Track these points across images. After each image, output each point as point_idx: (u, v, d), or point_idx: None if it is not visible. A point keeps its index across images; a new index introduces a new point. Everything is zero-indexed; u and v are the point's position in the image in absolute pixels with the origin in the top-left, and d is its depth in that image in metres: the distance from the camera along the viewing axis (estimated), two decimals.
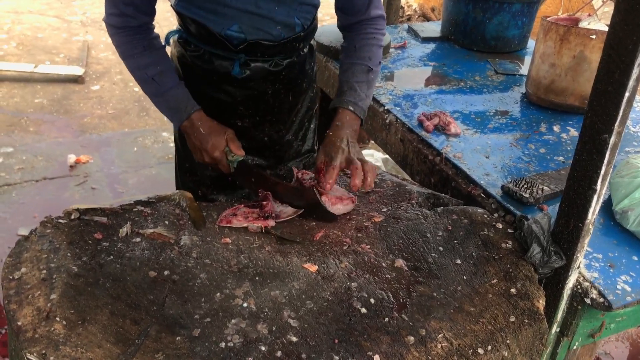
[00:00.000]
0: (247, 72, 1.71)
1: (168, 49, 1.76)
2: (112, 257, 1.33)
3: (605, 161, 1.21)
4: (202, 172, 1.86)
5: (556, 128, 2.05)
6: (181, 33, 1.73)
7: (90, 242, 1.36)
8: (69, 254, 1.29)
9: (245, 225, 1.48)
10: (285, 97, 1.84)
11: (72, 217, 1.42)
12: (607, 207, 1.63)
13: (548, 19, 2.20)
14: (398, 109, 2.14)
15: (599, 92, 1.17)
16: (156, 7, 1.61)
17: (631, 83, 1.12)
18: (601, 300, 1.35)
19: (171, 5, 1.67)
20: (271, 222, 1.49)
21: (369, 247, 1.45)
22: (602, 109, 1.17)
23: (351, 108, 1.66)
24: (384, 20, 1.79)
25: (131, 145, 4.14)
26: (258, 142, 1.87)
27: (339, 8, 1.75)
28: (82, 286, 1.21)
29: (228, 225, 1.48)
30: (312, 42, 1.87)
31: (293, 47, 1.74)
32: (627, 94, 1.13)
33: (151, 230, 1.42)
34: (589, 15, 2.14)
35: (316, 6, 1.71)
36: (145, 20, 1.59)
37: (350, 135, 1.63)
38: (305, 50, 1.83)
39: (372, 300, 1.27)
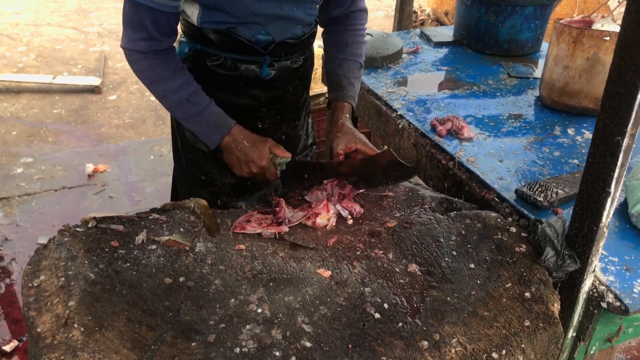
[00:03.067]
0: (273, 72, 1.76)
1: None
2: (128, 264, 1.34)
3: (619, 164, 1.20)
4: (222, 181, 1.88)
5: (570, 131, 2.04)
6: (193, 46, 1.73)
7: (107, 249, 1.38)
8: (86, 261, 1.31)
9: (259, 231, 1.49)
10: (301, 93, 1.93)
11: (90, 225, 1.44)
12: (623, 210, 1.62)
13: (561, 21, 2.19)
14: (411, 114, 2.14)
15: (611, 95, 1.17)
16: None
17: None
18: (618, 304, 1.33)
19: (184, 26, 1.70)
20: (284, 228, 1.50)
21: (382, 252, 1.45)
22: (615, 111, 1.16)
23: (353, 103, 1.83)
24: (367, 13, 1.94)
25: (148, 154, 4.19)
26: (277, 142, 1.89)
27: (326, 2, 1.80)
28: (99, 293, 1.23)
29: (242, 231, 1.49)
30: (320, 28, 1.96)
31: (309, 42, 1.82)
32: (639, 96, 1.12)
33: (166, 238, 1.44)
34: (603, 17, 2.13)
35: (318, 3, 1.77)
36: (170, 42, 1.61)
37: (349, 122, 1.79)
38: (312, 45, 1.90)
39: (385, 305, 1.28)
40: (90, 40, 6.39)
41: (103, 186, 3.78)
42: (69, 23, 6.90)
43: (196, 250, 1.42)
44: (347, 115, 1.79)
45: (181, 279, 1.32)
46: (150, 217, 1.52)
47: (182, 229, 1.48)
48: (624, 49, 1.12)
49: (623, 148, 1.18)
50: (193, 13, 1.62)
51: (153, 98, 5.03)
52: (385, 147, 1.65)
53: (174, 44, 1.65)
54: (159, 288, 1.29)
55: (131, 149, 4.26)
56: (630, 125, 1.15)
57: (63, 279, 1.24)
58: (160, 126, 4.60)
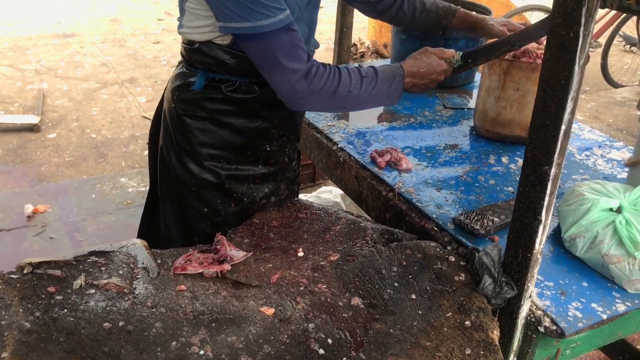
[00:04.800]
0: None
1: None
2: (65, 310, 1.30)
3: (548, 192, 1.25)
4: (226, 211, 1.85)
5: (504, 159, 2.11)
6: (208, 76, 1.73)
7: (44, 296, 1.33)
8: (20, 309, 1.26)
9: (200, 271, 1.47)
10: (303, 115, 2.02)
11: (25, 271, 1.39)
12: (557, 235, 1.68)
13: None
14: (351, 146, 2.17)
15: (538, 126, 1.22)
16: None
17: (566, 116, 1.17)
18: (554, 327, 1.37)
19: (197, 45, 1.70)
20: (227, 267, 1.49)
21: (325, 286, 1.45)
22: (542, 141, 1.22)
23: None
24: None
25: (89, 193, 4.09)
26: (279, 165, 1.92)
27: None
28: (34, 342, 1.18)
29: (183, 272, 1.47)
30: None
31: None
32: (563, 127, 1.18)
33: (105, 281, 1.40)
34: (526, 52, 2.22)
35: None
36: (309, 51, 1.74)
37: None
38: None
39: (329, 341, 1.28)
40: (27, 77, 6.23)
41: (43, 227, 3.67)
42: (5, 60, 6.72)
43: (136, 292, 1.39)
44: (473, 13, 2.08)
45: (120, 323, 1.29)
46: (88, 260, 1.48)
47: (121, 272, 1.45)
48: (546, 82, 1.18)
49: (551, 177, 1.23)
50: (224, 38, 1.66)
51: (94, 135, 4.97)
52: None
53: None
54: (97, 334, 1.25)
55: (72, 188, 4.15)
56: (556, 155, 1.20)
57: None
58: (102, 164, 4.51)
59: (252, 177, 1.86)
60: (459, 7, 2.17)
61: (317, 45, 1.90)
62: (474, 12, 2.17)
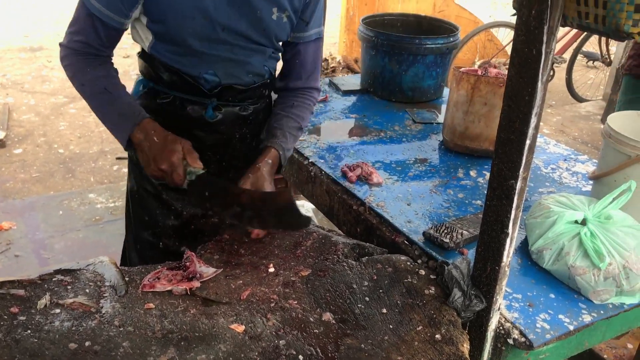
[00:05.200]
0: (219, 115, 1.78)
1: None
2: (29, 331, 1.27)
3: (514, 205, 1.27)
4: (164, 223, 1.85)
5: (473, 173, 2.14)
6: (147, 83, 1.77)
7: (6, 317, 1.30)
8: None
9: (169, 288, 1.45)
10: (250, 142, 1.92)
11: None
12: (525, 247, 1.70)
13: (460, 69, 2.32)
14: (322, 161, 2.18)
15: (503, 141, 1.24)
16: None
17: (531, 131, 1.19)
18: (523, 339, 1.39)
19: (140, 52, 1.72)
20: (196, 284, 1.47)
21: (296, 302, 1.45)
22: (507, 156, 1.24)
23: (281, 152, 1.79)
24: (319, 92, 1.98)
25: (56, 209, 4.01)
26: None
27: (284, 71, 1.88)
28: None
29: (151, 290, 1.45)
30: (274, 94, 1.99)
31: (261, 93, 1.85)
32: (528, 142, 1.20)
33: (71, 300, 1.37)
34: (495, 66, 2.27)
35: (278, 60, 1.85)
36: (104, 52, 1.66)
37: (272, 174, 1.75)
38: (269, 98, 1.94)
39: (300, 357, 1.27)
40: None
41: (8, 245, 3.58)
42: None
43: (103, 311, 1.36)
44: (269, 161, 1.74)
45: (87, 344, 1.26)
46: (54, 279, 1.45)
47: (87, 290, 1.42)
48: (511, 98, 1.20)
49: (517, 191, 1.25)
50: (146, 39, 1.67)
51: (62, 150, 4.89)
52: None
53: (111, 54, 1.69)
54: (62, 355, 1.22)
55: (39, 205, 4.07)
56: (522, 169, 1.23)
57: None
58: (70, 179, 4.44)
59: None
60: (273, 146, 1.78)
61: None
62: (268, 161, 1.75)
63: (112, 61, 1.71)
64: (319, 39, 1.87)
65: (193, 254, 1.56)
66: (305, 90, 1.91)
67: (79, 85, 1.64)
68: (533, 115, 1.18)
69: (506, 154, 1.24)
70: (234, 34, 1.65)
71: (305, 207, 3.74)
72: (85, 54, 1.62)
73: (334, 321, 1.39)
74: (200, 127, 1.79)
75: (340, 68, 6.49)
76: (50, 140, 5.09)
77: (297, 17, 1.74)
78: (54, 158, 4.79)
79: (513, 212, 1.27)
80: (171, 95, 1.76)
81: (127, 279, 1.48)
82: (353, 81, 3.04)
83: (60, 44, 1.65)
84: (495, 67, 2.41)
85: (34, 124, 5.39)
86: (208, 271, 1.52)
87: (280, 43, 1.79)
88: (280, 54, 1.85)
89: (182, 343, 1.29)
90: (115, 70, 1.69)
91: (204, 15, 1.58)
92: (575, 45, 6.70)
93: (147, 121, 1.61)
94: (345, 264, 1.58)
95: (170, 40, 1.64)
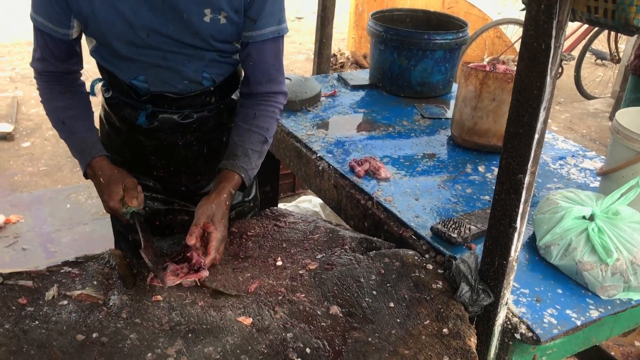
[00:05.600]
0: (155, 122, 1.73)
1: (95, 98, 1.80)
2: (37, 322, 1.28)
3: (522, 200, 1.26)
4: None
5: (481, 168, 2.13)
6: (104, 81, 1.78)
7: (14, 307, 1.31)
8: None
9: (178, 282, 1.45)
10: (199, 150, 1.83)
11: None
12: (532, 242, 1.70)
13: (469, 64, 2.31)
14: (330, 155, 2.18)
15: (512, 135, 1.24)
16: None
17: (539, 125, 1.19)
18: (530, 334, 1.39)
19: (90, 52, 1.70)
20: (204, 273, 1.46)
21: (304, 295, 1.45)
22: (516, 150, 1.23)
23: (242, 174, 1.66)
24: (285, 96, 1.80)
25: (64, 203, 4.03)
26: (177, 191, 1.88)
27: (245, 75, 1.75)
28: (4, 355, 1.16)
29: (159, 284, 1.45)
30: (234, 96, 1.87)
31: (203, 100, 1.74)
32: (536, 136, 1.19)
33: (79, 292, 1.38)
34: (504, 62, 2.26)
35: (232, 64, 1.72)
36: (65, 67, 1.65)
37: (229, 200, 1.63)
38: (221, 104, 1.82)
39: (307, 350, 1.27)
40: (1, 85, 6.15)
41: (16, 238, 3.60)
42: None
43: (110, 303, 1.37)
44: (225, 185, 1.63)
45: (94, 335, 1.27)
46: (61, 271, 1.46)
47: (95, 282, 1.43)
48: (520, 92, 1.20)
49: (525, 185, 1.24)
50: (91, 43, 1.65)
51: None
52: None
53: (75, 70, 1.70)
54: (70, 346, 1.23)
55: (46, 198, 4.09)
56: (530, 163, 1.22)
57: None
58: (77, 173, 4.45)
59: (148, 188, 1.85)
60: (233, 170, 1.67)
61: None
62: (225, 188, 1.64)
63: (77, 79, 1.71)
64: (278, 37, 1.69)
65: (192, 245, 1.51)
66: (269, 95, 1.75)
67: (47, 114, 1.70)
68: (542, 110, 1.17)
69: (515, 148, 1.23)
70: (163, 37, 1.56)
71: (313, 202, 3.75)
72: (47, 76, 1.65)
73: (341, 314, 1.39)
74: (139, 132, 1.76)
75: (349, 64, 6.49)
76: (58, 134, 5.10)
77: (240, 17, 1.60)
78: (62, 152, 4.80)
79: (521, 206, 1.27)
80: (116, 97, 1.75)
81: (134, 271, 1.49)
82: (362, 76, 3.04)
83: (30, 66, 1.66)
84: (503, 62, 2.40)
85: (42, 118, 5.40)
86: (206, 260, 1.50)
87: (237, 45, 1.69)
88: (229, 61, 1.72)
89: (190, 335, 1.29)
90: (80, 91, 1.70)
91: (124, 20, 1.52)
92: (584, 42, 6.66)
93: (96, 161, 1.65)
94: (352, 258, 1.59)
95: (103, 44, 1.60)
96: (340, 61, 6.60)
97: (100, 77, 1.79)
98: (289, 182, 4.11)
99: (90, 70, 1.95)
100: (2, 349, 1.17)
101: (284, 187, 4.06)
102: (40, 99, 1.68)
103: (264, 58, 1.68)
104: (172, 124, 1.74)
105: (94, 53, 1.66)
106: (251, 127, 1.72)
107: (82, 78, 1.74)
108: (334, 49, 6.75)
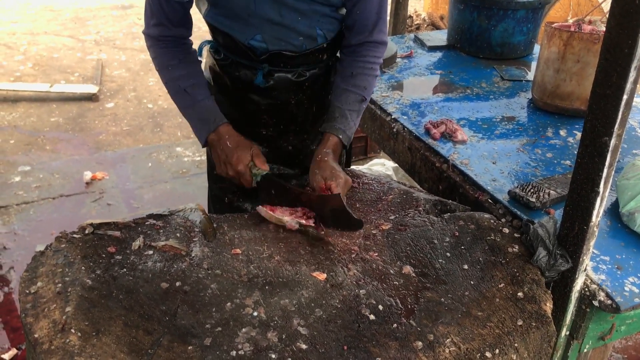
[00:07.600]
0: (271, 81, 1.76)
1: (202, 60, 1.84)
2: (125, 269, 1.36)
3: (607, 163, 1.22)
4: (231, 179, 1.87)
5: (562, 132, 2.06)
6: (212, 43, 1.80)
7: (104, 255, 1.39)
8: (83, 267, 1.32)
9: (286, 218, 1.54)
10: (309, 108, 1.87)
11: (87, 232, 1.45)
12: (615, 209, 1.64)
13: (552, 24, 2.22)
14: (405, 117, 2.16)
15: (598, 96, 1.19)
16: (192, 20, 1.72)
17: (629, 86, 1.13)
18: (609, 302, 1.35)
19: (203, 16, 1.73)
20: (311, 222, 1.54)
21: (376, 254, 1.47)
22: (602, 112, 1.19)
23: (340, 136, 1.71)
24: (385, 47, 1.81)
25: (146, 161, 4.20)
26: (283, 151, 1.91)
27: (347, 26, 1.76)
28: (96, 298, 1.24)
29: (270, 212, 1.55)
30: (338, 54, 1.88)
31: (316, 58, 1.78)
32: (625, 97, 1.14)
33: (163, 243, 1.45)
34: (590, 21, 2.16)
35: (339, 19, 1.73)
36: (180, 32, 1.69)
37: (335, 160, 1.68)
38: (330, 62, 1.85)
39: (380, 307, 1.29)
40: (87, 48, 6.41)
41: (101, 194, 3.79)
42: (66, 31, 6.92)
43: (192, 255, 1.43)
44: (330, 150, 1.68)
45: (177, 284, 1.33)
46: (146, 223, 1.53)
47: (178, 234, 1.49)
48: (609, 51, 1.14)
49: (610, 148, 1.20)
50: (203, 6, 1.68)
51: (151, 105, 5.08)
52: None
53: (187, 35, 1.72)
54: (155, 293, 1.30)
55: (129, 157, 4.27)
56: (617, 126, 1.17)
57: (60, 285, 1.25)
58: (158, 133, 4.62)
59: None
60: (333, 133, 1.72)
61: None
62: (327, 151, 1.69)
63: (191, 45, 1.74)
64: None
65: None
66: (370, 46, 1.76)
67: (164, 82, 1.72)
68: (632, 69, 1.12)
69: (601, 109, 1.18)
70: None
71: (386, 165, 3.74)
72: (165, 42, 1.67)
73: (414, 274, 1.40)
74: (254, 91, 1.79)
75: (425, 25, 6.33)
76: (139, 95, 5.29)
77: None
78: (143, 113, 4.99)
79: (605, 170, 1.22)
80: (229, 57, 1.77)
81: (215, 225, 1.55)
82: (439, 37, 2.97)
83: (143, 32, 1.69)
84: (590, 22, 2.29)
85: (124, 79, 5.62)
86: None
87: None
88: (336, 16, 1.72)
89: (267, 287, 1.34)
90: (195, 58, 1.73)
91: None
92: None
93: (223, 127, 1.68)
94: (426, 220, 1.58)
95: (222, 5, 1.63)
96: (416, 22, 6.45)
97: (207, 40, 1.83)
98: (361, 145, 4.10)
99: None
100: (94, 293, 1.25)
101: (356, 150, 4.06)
102: (156, 66, 1.70)
103: (370, 6, 1.70)
104: (287, 82, 1.78)
105: (207, 17, 1.70)
106: (348, 87, 1.75)
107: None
108: (410, 9, 6.59)
